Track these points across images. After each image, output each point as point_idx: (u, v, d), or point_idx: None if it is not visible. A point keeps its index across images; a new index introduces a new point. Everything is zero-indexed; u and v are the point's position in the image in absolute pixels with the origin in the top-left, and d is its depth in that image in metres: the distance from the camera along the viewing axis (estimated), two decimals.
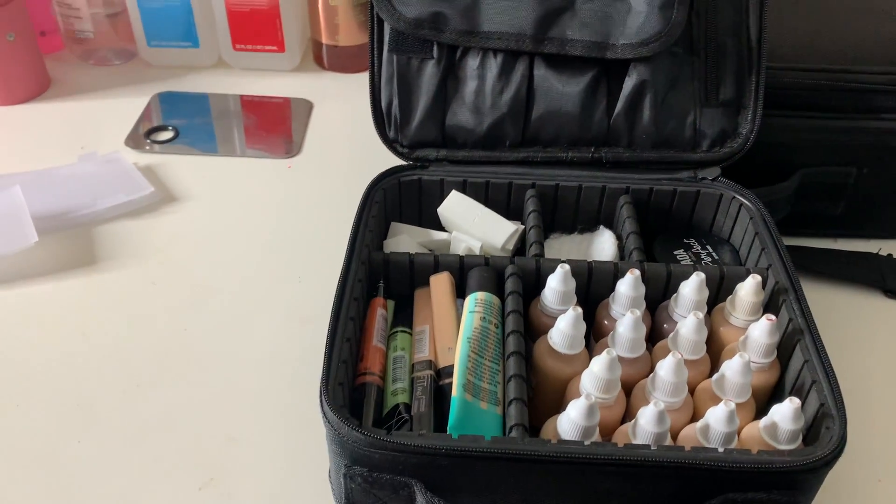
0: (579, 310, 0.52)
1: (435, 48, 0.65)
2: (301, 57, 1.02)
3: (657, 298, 0.60)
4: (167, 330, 0.66)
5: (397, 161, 0.68)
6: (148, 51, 0.99)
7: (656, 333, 0.59)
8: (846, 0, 0.78)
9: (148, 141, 0.88)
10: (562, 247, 0.66)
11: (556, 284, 0.56)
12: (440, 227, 0.67)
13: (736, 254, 0.65)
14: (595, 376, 0.50)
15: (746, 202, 0.64)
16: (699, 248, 0.65)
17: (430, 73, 0.66)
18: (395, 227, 0.66)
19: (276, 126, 0.92)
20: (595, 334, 0.59)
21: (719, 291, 0.60)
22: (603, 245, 0.64)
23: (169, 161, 0.85)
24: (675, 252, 0.65)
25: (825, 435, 0.47)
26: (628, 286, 0.56)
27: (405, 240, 0.64)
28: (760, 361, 0.53)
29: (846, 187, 0.72)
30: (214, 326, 0.66)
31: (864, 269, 0.72)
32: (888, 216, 0.75)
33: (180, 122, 0.91)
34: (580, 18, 0.63)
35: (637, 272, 0.55)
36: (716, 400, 0.51)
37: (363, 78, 0.97)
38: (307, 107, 0.95)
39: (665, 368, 0.50)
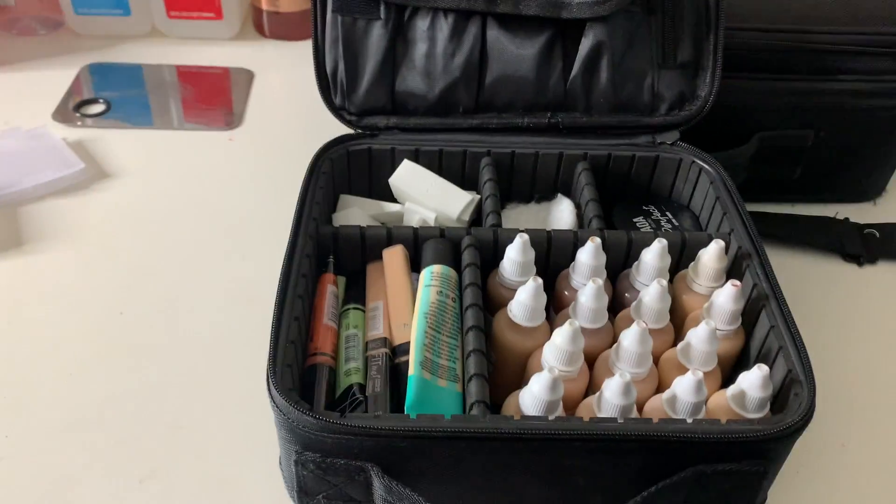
0: (539, 280, 0.50)
1: (382, 8, 0.62)
2: (241, 25, 0.97)
3: (618, 267, 0.58)
4: (101, 315, 0.62)
5: (345, 130, 0.64)
6: (76, 19, 0.93)
7: (618, 303, 0.57)
8: None
9: (78, 115, 0.82)
10: (519, 216, 0.64)
11: (515, 255, 0.53)
12: (392, 199, 0.64)
13: (696, 220, 0.63)
14: (557, 348, 0.48)
15: (706, 167, 0.62)
16: (659, 214, 0.64)
17: (377, 36, 0.62)
18: (345, 199, 0.63)
19: (215, 97, 0.88)
20: (555, 306, 0.57)
21: (681, 258, 0.58)
22: (562, 213, 0.62)
23: (101, 136, 0.80)
24: (635, 219, 0.63)
25: (794, 401, 0.46)
26: (588, 255, 0.53)
27: (356, 212, 0.61)
28: (725, 328, 0.52)
29: (804, 151, 0.71)
30: (153, 310, 0.62)
31: (822, 234, 0.72)
32: (845, 180, 0.75)
33: (113, 95, 0.86)
34: None
35: (597, 240, 0.53)
36: (682, 369, 0.49)
37: (307, 46, 0.93)
38: (248, 77, 0.90)
39: (629, 338, 0.48)
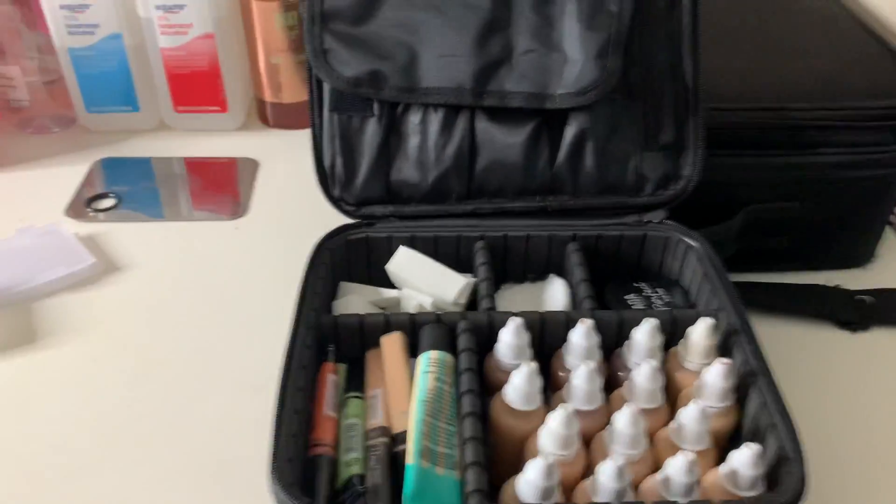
0: (533, 364, 0.51)
1: (375, 106, 0.65)
2: (245, 115, 1.01)
3: (612, 345, 0.59)
4: (110, 408, 0.64)
5: (344, 219, 0.67)
6: (87, 117, 0.97)
7: (613, 382, 0.58)
8: (778, 40, 0.80)
9: (89, 210, 0.86)
10: (514, 297, 0.65)
11: (509, 338, 0.55)
12: (390, 285, 0.66)
13: (687, 295, 0.65)
14: (553, 433, 0.49)
15: (692, 243, 0.64)
16: (650, 291, 0.65)
17: (371, 131, 0.65)
18: (344, 286, 0.65)
19: (222, 187, 0.91)
20: (551, 386, 0.58)
21: (674, 335, 0.59)
22: (555, 293, 0.64)
23: (111, 230, 0.83)
24: (627, 297, 0.65)
25: (786, 479, 0.46)
26: (580, 336, 0.55)
27: (355, 300, 0.63)
28: (717, 406, 0.53)
29: (790, 222, 0.73)
30: (161, 402, 0.64)
31: (813, 302, 0.73)
32: (834, 247, 0.76)
33: (123, 189, 0.89)
34: (518, 70, 0.64)
35: (588, 322, 0.55)
36: (676, 449, 0.50)
37: (308, 135, 0.98)
38: (253, 166, 0.93)
39: (621, 421, 0.49)
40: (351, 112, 0.65)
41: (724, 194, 0.71)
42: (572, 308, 0.63)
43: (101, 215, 0.85)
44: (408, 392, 0.54)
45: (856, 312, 0.72)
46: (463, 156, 0.65)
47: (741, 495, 0.47)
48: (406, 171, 0.66)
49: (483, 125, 0.65)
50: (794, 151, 0.70)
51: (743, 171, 0.71)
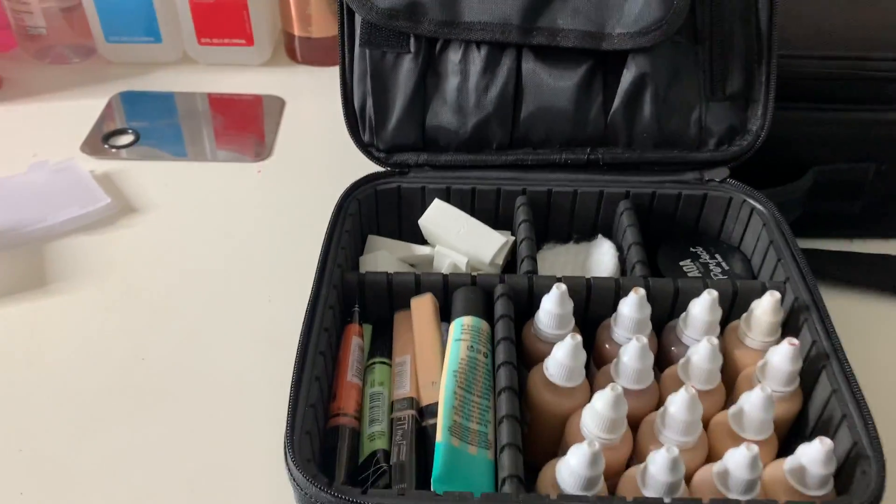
0: (578, 338, 0.46)
1: (412, 41, 0.59)
2: (272, 50, 0.95)
3: (664, 317, 0.54)
4: (123, 360, 0.60)
5: (376, 167, 0.61)
6: (107, 47, 0.92)
7: (664, 356, 0.53)
8: None
9: (106, 146, 0.81)
10: (556, 259, 0.60)
11: (552, 307, 0.50)
12: (422, 240, 0.61)
13: (748, 263, 0.59)
14: (598, 414, 0.44)
15: (758, 206, 0.58)
16: (707, 257, 0.59)
17: (406, 69, 0.59)
18: (373, 240, 0.60)
19: (245, 126, 0.86)
20: (596, 360, 0.53)
21: (732, 308, 0.54)
22: (602, 257, 0.59)
23: (129, 168, 0.78)
24: (682, 262, 0.59)
25: (860, 480, 0.41)
26: (632, 307, 0.50)
27: (384, 256, 0.58)
28: (781, 390, 0.48)
29: (864, 185, 0.66)
30: (176, 355, 0.60)
31: (882, 274, 0.67)
32: None
33: (142, 125, 0.84)
34: (572, 5, 0.57)
35: (641, 291, 0.49)
36: (734, 437, 0.45)
37: (339, 72, 0.92)
38: (279, 104, 0.88)
39: (676, 405, 0.44)
40: (385, 47, 0.59)
41: (792, 152, 0.65)
42: (621, 273, 0.58)
43: (120, 152, 0.80)
44: (439, 361, 0.50)
45: None
46: (507, 100, 0.59)
47: (809, 495, 0.42)
48: (443, 115, 0.60)
49: (530, 66, 0.59)
50: (873, 107, 0.63)
51: (814, 126, 0.64)
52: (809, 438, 0.47)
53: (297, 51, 0.94)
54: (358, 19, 0.59)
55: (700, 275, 0.58)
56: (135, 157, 0.80)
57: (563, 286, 0.49)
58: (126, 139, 0.82)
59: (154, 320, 0.63)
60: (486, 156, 0.61)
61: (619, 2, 0.57)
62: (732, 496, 0.41)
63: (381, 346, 0.53)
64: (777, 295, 0.49)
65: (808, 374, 0.48)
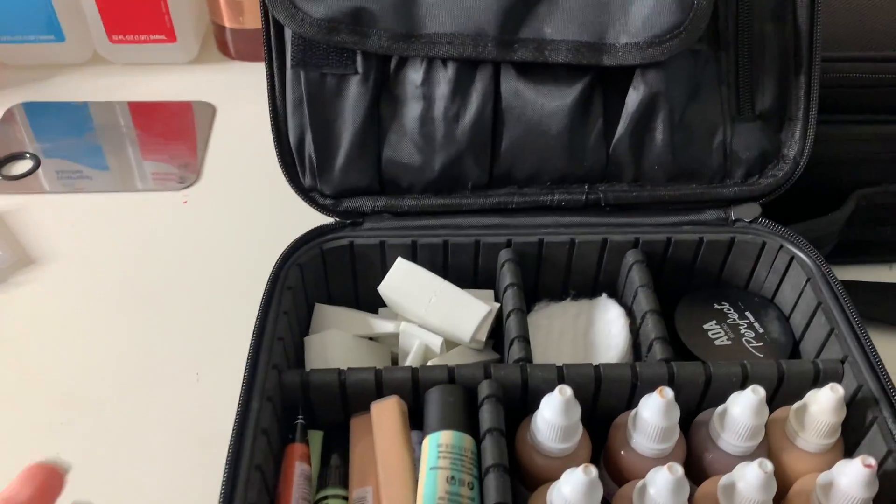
0: (593, 472, 0.35)
1: (359, 59, 0.46)
2: (200, 46, 0.81)
3: (692, 406, 0.43)
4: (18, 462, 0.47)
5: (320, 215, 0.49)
6: (1, 48, 0.77)
7: (693, 460, 0.42)
8: None
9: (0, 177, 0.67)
10: (551, 324, 0.48)
11: (555, 417, 0.38)
12: (383, 304, 0.49)
13: (786, 322, 0.48)
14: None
15: (800, 254, 0.47)
16: (736, 316, 0.48)
17: (354, 95, 0.46)
18: (322, 312, 0.48)
19: (172, 142, 0.72)
20: (608, 466, 0.42)
21: (776, 393, 0.43)
22: (609, 326, 0.47)
23: (26, 205, 0.64)
24: (706, 325, 0.48)
25: None
26: (656, 413, 0.38)
27: (335, 336, 0.46)
28: None
29: None
30: (84, 457, 0.48)
31: None
32: None
33: (46, 145, 0.70)
34: (564, 9, 0.44)
35: (669, 394, 0.38)
36: None
37: None
38: (209, 112, 0.74)
39: None
40: (324, 68, 0.46)
41: (829, 175, 0.53)
42: (632, 345, 0.46)
43: (15, 183, 0.67)
44: (411, 494, 0.38)
45: None
46: (484, 129, 0.47)
47: None
48: (404, 150, 0.47)
49: (512, 86, 0.46)
50: None
51: (856, 143, 0.53)
52: None
53: (230, 45, 0.80)
54: (288, 34, 0.46)
55: (730, 342, 0.47)
56: (34, 190, 0.66)
57: (569, 391, 0.38)
58: (23, 166, 0.68)
59: (57, 412, 0.50)
60: (459, 198, 0.48)
61: (623, 3, 0.44)
62: None
63: (335, 468, 0.41)
64: (840, 391, 0.38)
65: (880, 493, 0.37)
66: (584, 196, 0.48)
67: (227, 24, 0.78)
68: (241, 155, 0.70)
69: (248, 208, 0.64)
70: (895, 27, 0.52)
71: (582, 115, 0.47)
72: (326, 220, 0.49)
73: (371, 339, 0.48)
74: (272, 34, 0.46)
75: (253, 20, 0.78)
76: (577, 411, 0.39)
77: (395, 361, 0.48)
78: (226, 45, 0.80)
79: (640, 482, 0.37)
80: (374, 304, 0.50)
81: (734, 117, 0.48)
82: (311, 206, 0.49)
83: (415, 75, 0.46)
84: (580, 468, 0.35)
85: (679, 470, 0.35)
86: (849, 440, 0.41)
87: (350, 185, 0.48)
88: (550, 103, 0.46)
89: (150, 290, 0.58)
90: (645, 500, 0.37)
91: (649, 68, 0.45)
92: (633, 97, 0.46)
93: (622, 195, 0.48)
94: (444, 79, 0.46)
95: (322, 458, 0.42)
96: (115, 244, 0.62)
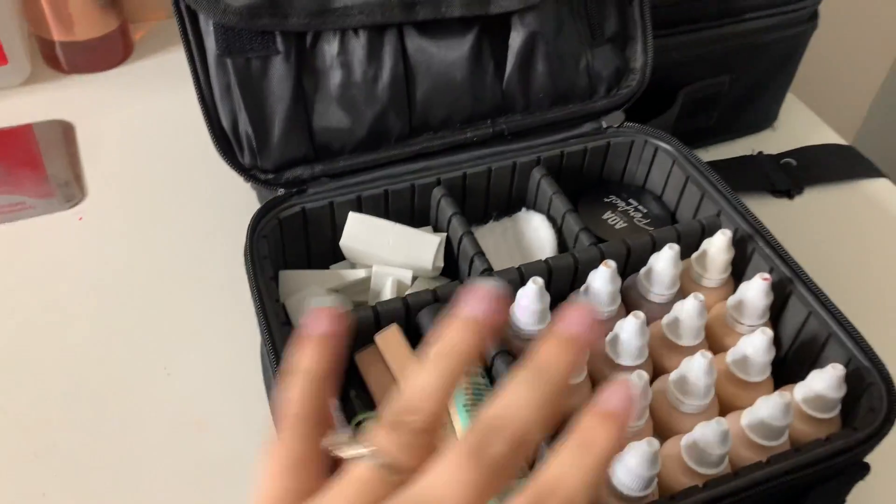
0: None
1: (279, 39, 0.50)
2: (31, 63, 0.77)
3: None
4: None
5: (225, 184, 0.53)
6: None
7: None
8: None
9: None
10: (486, 243, 0.56)
11: (531, 303, 0.46)
12: (336, 260, 0.54)
13: (661, 202, 0.60)
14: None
15: (662, 144, 0.58)
16: (624, 204, 0.59)
17: (279, 73, 0.50)
18: (287, 277, 0.52)
19: (31, 166, 0.69)
20: None
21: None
22: (537, 232, 0.56)
23: None
24: (604, 216, 0.58)
25: (869, 392, 0.44)
26: (605, 281, 0.48)
27: (313, 293, 0.50)
28: (756, 324, 0.49)
29: (720, 96, 0.70)
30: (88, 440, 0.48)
31: (749, 176, 0.71)
32: (749, 114, 0.75)
33: None
34: None
35: (612, 264, 0.48)
36: (738, 382, 0.46)
37: (122, 74, 0.78)
38: (63, 130, 0.72)
39: (694, 371, 0.44)
40: (248, 53, 0.49)
41: (662, 79, 0.65)
42: (557, 244, 0.55)
43: None
44: None
45: (788, 178, 0.71)
46: (400, 86, 0.53)
47: (821, 417, 0.44)
48: (332, 116, 0.52)
49: (415, 44, 0.53)
50: (724, 21, 0.66)
51: (678, 50, 0.65)
52: (789, 364, 0.49)
53: (61, 59, 0.78)
54: (205, 25, 0.49)
55: (626, 224, 0.57)
56: None
57: (540, 280, 0.46)
58: None
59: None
60: (387, 151, 0.54)
61: None
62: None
63: (355, 398, 0.46)
64: (728, 233, 0.50)
65: (774, 302, 0.50)
66: (491, 129, 0.56)
67: (57, 37, 0.76)
68: (122, 161, 0.69)
69: (149, 208, 0.65)
70: None
71: (477, 61, 0.54)
72: (235, 201, 0.54)
73: (337, 292, 0.53)
74: (188, 28, 0.49)
75: (84, 31, 0.76)
76: (547, 296, 0.47)
77: (357, 307, 0.53)
78: (56, 59, 0.78)
79: (611, 334, 0.47)
80: (324, 263, 0.55)
81: (590, 44, 0.58)
82: (253, 182, 0.52)
83: (330, 48, 0.51)
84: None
85: (641, 314, 0.45)
86: (736, 271, 0.53)
87: (288, 157, 0.52)
88: (451, 54, 0.53)
89: (78, 310, 0.58)
90: (618, 346, 0.46)
91: (525, 12, 0.54)
92: (516, 38, 0.54)
93: (519, 123, 0.57)
94: (359, 46, 0.51)
95: (340, 395, 0.47)
96: (17, 275, 0.60)
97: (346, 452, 0.25)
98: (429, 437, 0.26)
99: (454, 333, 0.27)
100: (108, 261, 0.61)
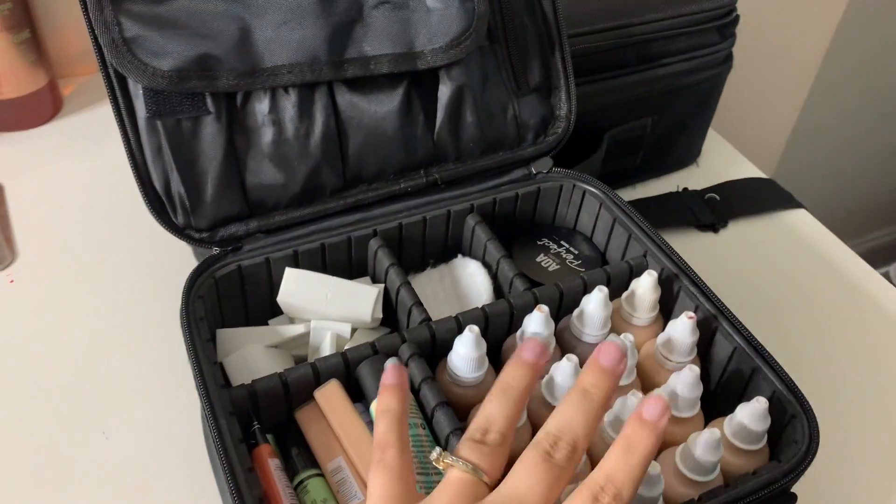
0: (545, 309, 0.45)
1: (209, 100, 0.50)
2: None
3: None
4: None
5: (156, 237, 0.53)
6: None
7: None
8: None
9: None
10: (423, 291, 0.57)
11: (469, 351, 0.47)
12: (273, 315, 0.54)
13: (591, 242, 0.62)
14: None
15: (589, 188, 0.60)
16: (556, 246, 0.61)
17: (210, 133, 0.51)
18: (225, 336, 0.52)
19: None
20: None
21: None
22: (473, 278, 0.57)
23: None
24: (538, 259, 0.60)
25: (793, 424, 0.46)
26: (539, 325, 0.49)
27: (253, 351, 0.50)
28: (684, 361, 0.51)
29: (644, 138, 0.73)
30: None
31: (674, 212, 0.74)
32: (672, 152, 0.78)
33: None
34: (374, 30, 0.53)
35: (545, 309, 0.49)
36: (669, 426, 0.48)
37: (52, 131, 0.78)
38: None
39: (629, 410, 0.45)
40: (178, 114, 0.50)
41: (587, 124, 0.68)
42: (493, 289, 0.57)
43: None
44: None
45: (712, 213, 0.74)
46: (332, 140, 0.54)
47: (749, 449, 0.46)
48: (265, 173, 0.53)
49: (346, 99, 0.54)
50: (643, 66, 0.69)
51: (599, 97, 0.68)
52: (718, 398, 0.51)
53: None
54: (134, 87, 0.49)
55: (559, 266, 0.59)
56: None
57: (476, 328, 0.47)
58: None
59: None
60: (322, 205, 0.55)
61: (422, 17, 0.54)
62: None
63: (297, 455, 0.46)
64: (654, 274, 0.52)
65: (700, 339, 0.52)
66: (424, 179, 0.57)
67: None
68: (54, 221, 0.68)
69: (82, 269, 0.64)
70: (607, 5, 0.68)
71: (407, 114, 0.55)
72: (170, 259, 0.54)
73: (274, 347, 0.53)
74: (116, 91, 0.49)
75: (13, 89, 0.75)
76: (483, 344, 0.48)
77: (298, 361, 0.54)
78: None
79: (546, 377, 0.48)
80: (262, 318, 0.55)
81: (516, 93, 0.60)
82: (187, 242, 0.52)
83: (261, 105, 0.52)
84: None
85: (575, 357, 0.46)
86: (664, 310, 0.55)
87: (222, 216, 0.52)
88: (381, 109, 0.54)
89: (11, 374, 0.56)
90: (554, 388, 0.47)
91: (452, 66, 0.55)
92: (444, 91, 0.56)
93: (452, 172, 0.58)
94: (289, 103, 0.52)
95: (281, 453, 0.47)
96: None
97: (443, 462, 0.34)
98: (504, 450, 0.35)
99: (514, 372, 0.37)
100: (41, 323, 0.60)
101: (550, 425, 0.35)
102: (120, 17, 0.47)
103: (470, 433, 0.35)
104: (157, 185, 0.51)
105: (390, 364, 0.39)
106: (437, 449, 0.35)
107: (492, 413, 0.36)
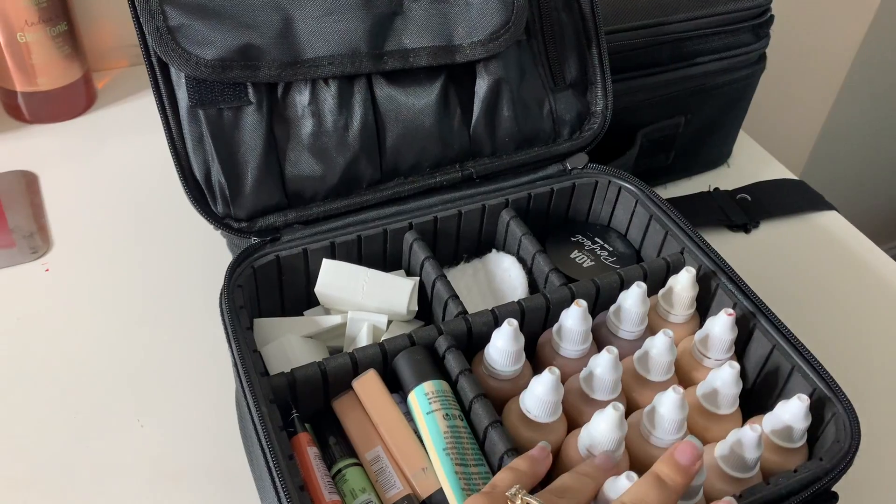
0: (557, 372, 0.45)
1: (250, 90, 0.50)
2: None
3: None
4: None
5: (186, 227, 0.55)
6: None
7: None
8: None
9: None
10: (457, 286, 0.57)
11: (506, 345, 0.47)
12: (310, 306, 0.54)
13: (625, 239, 0.61)
14: (605, 435, 0.43)
15: (625, 185, 0.60)
16: (590, 243, 0.61)
17: (251, 123, 0.51)
18: (262, 325, 0.52)
19: None
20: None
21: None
22: (508, 273, 0.57)
23: None
24: (572, 255, 0.59)
25: (833, 422, 0.45)
26: (577, 320, 0.49)
27: (291, 341, 0.50)
28: (722, 358, 0.51)
29: (676, 137, 0.72)
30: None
31: (706, 212, 0.74)
32: (703, 151, 0.77)
33: None
34: (415, 22, 0.53)
35: (583, 303, 0.49)
36: (709, 415, 0.47)
37: (86, 123, 0.78)
38: (26, 181, 0.72)
39: (667, 405, 0.45)
40: (220, 104, 0.50)
41: (621, 122, 0.67)
42: (528, 284, 0.57)
43: None
44: (414, 441, 0.45)
45: (744, 213, 0.74)
46: (370, 133, 0.54)
47: (789, 447, 0.46)
48: (304, 164, 0.53)
49: (384, 92, 0.54)
50: (677, 65, 0.68)
51: (633, 94, 0.68)
52: (755, 395, 0.51)
53: (23, 109, 0.77)
54: (177, 76, 0.49)
55: (593, 263, 0.59)
56: None
57: (515, 322, 0.47)
58: None
59: None
60: (359, 197, 0.55)
61: (462, 11, 0.54)
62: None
63: (335, 445, 0.46)
64: (693, 271, 0.52)
65: (739, 336, 0.51)
66: (460, 173, 0.57)
67: (19, 88, 0.75)
68: (88, 210, 0.69)
69: (117, 258, 0.65)
70: (644, 2, 0.68)
71: (444, 108, 0.56)
72: (201, 249, 0.54)
73: (311, 337, 0.53)
74: (159, 80, 0.49)
75: (49, 81, 0.76)
76: (522, 338, 0.48)
77: (333, 352, 0.54)
78: (18, 109, 0.77)
79: (585, 370, 0.48)
80: (298, 309, 0.55)
81: (553, 89, 0.60)
82: (226, 231, 0.53)
83: (301, 97, 0.52)
84: (547, 371, 0.44)
85: (615, 349, 0.46)
86: (701, 307, 0.54)
87: (261, 206, 0.53)
88: (419, 102, 0.55)
89: (48, 362, 0.57)
90: (593, 381, 0.47)
91: (490, 60, 0.55)
92: (482, 85, 0.56)
93: (487, 166, 0.58)
94: (329, 95, 0.52)
95: (318, 442, 0.47)
96: None
97: None
98: None
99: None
100: (77, 311, 0.60)
101: (626, 497, 0.37)
102: (164, 5, 0.47)
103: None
104: (198, 174, 0.51)
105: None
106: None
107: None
